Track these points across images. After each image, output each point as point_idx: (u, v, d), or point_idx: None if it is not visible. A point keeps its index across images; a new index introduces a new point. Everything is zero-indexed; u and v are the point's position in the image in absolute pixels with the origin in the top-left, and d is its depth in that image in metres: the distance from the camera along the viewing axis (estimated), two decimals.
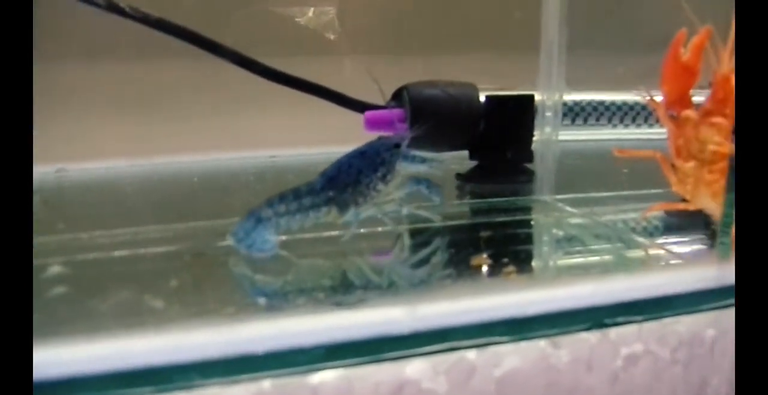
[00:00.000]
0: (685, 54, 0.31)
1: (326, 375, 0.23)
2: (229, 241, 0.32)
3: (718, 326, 0.28)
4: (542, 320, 0.25)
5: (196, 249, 0.36)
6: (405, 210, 0.35)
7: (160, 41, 0.52)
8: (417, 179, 0.36)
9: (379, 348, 0.23)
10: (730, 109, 0.30)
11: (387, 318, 0.24)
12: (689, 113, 0.31)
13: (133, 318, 0.25)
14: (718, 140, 0.30)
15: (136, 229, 0.37)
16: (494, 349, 0.25)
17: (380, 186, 0.35)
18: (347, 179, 0.34)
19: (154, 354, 0.22)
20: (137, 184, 0.53)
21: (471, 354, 0.25)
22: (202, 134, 0.62)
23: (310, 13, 0.62)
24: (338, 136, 0.66)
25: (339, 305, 0.24)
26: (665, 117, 0.32)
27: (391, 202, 0.35)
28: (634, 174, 0.51)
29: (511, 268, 0.30)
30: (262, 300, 0.27)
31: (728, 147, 0.30)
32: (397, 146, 0.35)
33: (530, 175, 0.49)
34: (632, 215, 0.39)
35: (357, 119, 0.54)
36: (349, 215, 0.34)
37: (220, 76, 0.60)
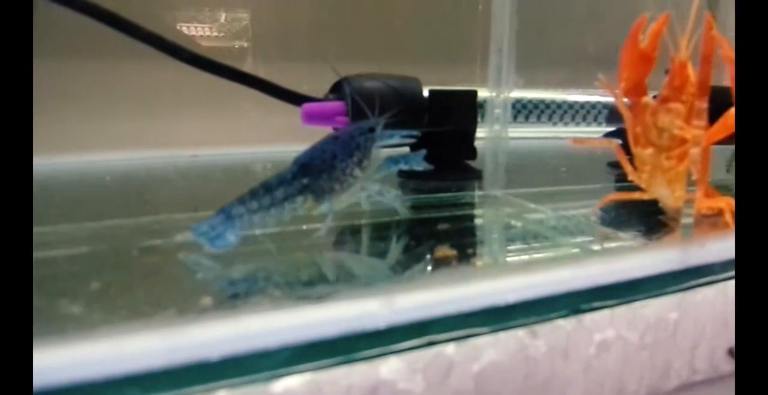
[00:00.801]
0: (644, 41, 0.32)
1: (292, 381, 0.20)
2: (188, 235, 0.29)
3: (681, 308, 0.28)
4: (522, 308, 0.24)
5: (119, 249, 0.31)
6: (390, 196, 0.33)
7: (64, 37, 0.47)
8: (390, 160, 0.34)
9: (353, 347, 0.21)
10: (687, 95, 0.31)
11: (361, 311, 0.21)
12: (647, 99, 0.32)
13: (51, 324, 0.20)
14: (679, 124, 0.30)
15: (43, 229, 0.32)
16: (473, 342, 0.23)
17: (357, 172, 0.32)
18: (322, 165, 0.32)
19: (76, 367, 0.18)
20: (43, 183, 0.46)
21: (449, 349, 0.22)
22: (115, 132, 0.56)
23: (222, 20, 0.59)
24: (264, 135, 0.63)
25: (306, 299, 0.21)
26: (622, 105, 0.32)
27: (373, 183, 0.33)
28: (574, 170, 0.52)
29: (450, 251, 0.29)
30: (215, 298, 0.23)
31: (689, 132, 0.30)
32: (372, 130, 0.33)
33: (474, 172, 0.48)
34: (583, 209, 0.39)
35: (283, 117, 0.51)
36: (326, 205, 0.32)
37: (139, 72, 0.55)
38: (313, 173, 0.31)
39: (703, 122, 0.31)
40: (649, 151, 0.31)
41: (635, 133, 0.32)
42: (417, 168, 0.34)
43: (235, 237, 0.29)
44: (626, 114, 0.32)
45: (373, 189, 0.33)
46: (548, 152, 0.55)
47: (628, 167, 0.33)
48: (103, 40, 0.51)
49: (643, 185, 0.33)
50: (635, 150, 0.32)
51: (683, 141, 0.31)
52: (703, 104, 0.30)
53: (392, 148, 0.36)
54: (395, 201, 0.34)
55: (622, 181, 0.49)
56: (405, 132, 0.34)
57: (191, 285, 0.26)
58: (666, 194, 0.32)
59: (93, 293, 0.24)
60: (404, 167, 0.34)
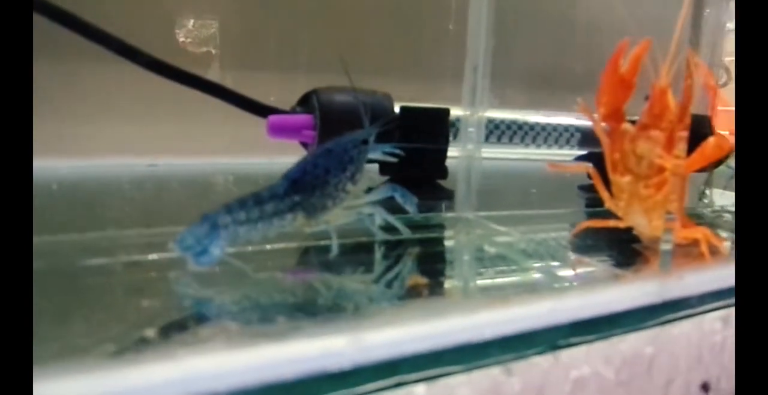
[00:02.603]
0: (624, 65, 0.31)
1: None
2: (173, 248, 0.26)
3: (657, 343, 0.27)
4: (498, 344, 0.22)
5: (60, 267, 0.28)
6: (378, 219, 0.32)
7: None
8: (392, 186, 0.32)
9: (313, 389, 0.18)
10: (666, 123, 0.30)
11: (325, 349, 0.19)
12: (626, 126, 0.31)
13: None
14: (659, 152, 0.30)
15: None
16: (445, 381, 0.21)
17: (349, 187, 0.31)
18: (314, 181, 0.30)
19: None
20: None
21: (419, 390, 0.21)
22: (65, 136, 0.53)
23: (190, 26, 0.57)
24: (227, 145, 0.61)
25: (264, 335, 0.19)
26: (601, 130, 0.31)
27: (366, 206, 0.32)
28: (545, 193, 0.51)
29: (422, 279, 0.27)
30: (160, 331, 0.20)
31: (669, 161, 0.29)
32: (365, 142, 0.31)
33: (445, 191, 0.47)
34: (557, 232, 0.38)
35: (248, 127, 0.49)
36: (320, 223, 0.31)
37: (96, 74, 0.52)
38: (306, 189, 0.30)
39: (682, 150, 0.30)
40: (627, 178, 0.31)
41: (613, 159, 0.31)
42: (407, 207, 0.33)
43: (219, 251, 0.27)
44: (604, 140, 0.32)
45: (375, 211, 0.32)
46: (518, 173, 0.54)
47: (604, 194, 0.32)
48: (59, 42, 0.49)
49: (619, 213, 0.32)
50: (613, 177, 0.32)
51: (662, 169, 0.30)
52: (684, 133, 0.30)
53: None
54: (396, 221, 0.33)
55: (593, 205, 0.48)
56: (388, 147, 0.33)
57: (136, 313, 0.23)
58: (643, 222, 0.31)
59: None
60: (399, 199, 0.33)
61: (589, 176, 0.49)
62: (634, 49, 0.31)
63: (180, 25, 0.57)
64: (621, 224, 0.32)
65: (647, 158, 0.30)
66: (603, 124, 0.32)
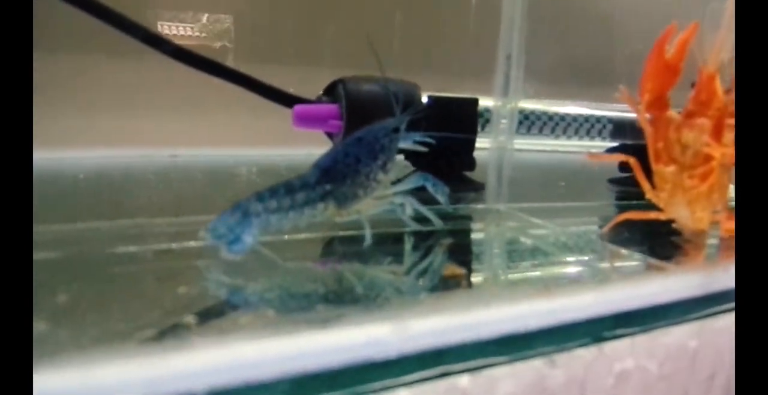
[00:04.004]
0: (670, 51, 0.30)
1: None
2: (204, 237, 0.26)
3: (701, 336, 0.27)
4: (542, 335, 0.21)
5: (91, 255, 0.28)
6: (409, 209, 0.31)
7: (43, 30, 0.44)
8: (424, 175, 0.32)
9: (360, 378, 0.18)
10: (714, 110, 0.29)
11: (370, 338, 0.18)
12: (671, 113, 0.30)
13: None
14: (706, 140, 0.28)
15: None
16: (489, 372, 0.21)
17: (380, 176, 0.31)
18: (345, 170, 0.30)
19: None
20: None
21: (463, 381, 0.20)
22: (90, 128, 0.53)
23: (204, 20, 0.57)
24: (249, 137, 0.60)
25: (308, 323, 0.18)
26: (644, 118, 0.30)
27: (397, 196, 0.32)
28: (574, 186, 0.50)
29: (458, 269, 0.27)
30: (200, 318, 0.20)
31: (717, 149, 0.28)
32: (397, 130, 0.31)
33: (473, 183, 0.46)
34: (589, 225, 0.38)
35: (270, 119, 0.49)
36: (351, 212, 0.30)
37: (120, 68, 0.52)
38: (336, 178, 0.29)
39: (731, 139, 0.29)
40: (671, 169, 0.30)
41: (656, 148, 0.30)
42: (439, 197, 0.33)
43: (252, 239, 0.26)
44: (647, 128, 0.31)
45: (405, 201, 0.32)
46: (546, 165, 0.53)
47: (645, 185, 0.31)
48: (82, 35, 0.49)
49: (661, 205, 0.31)
50: (656, 167, 0.31)
51: (708, 159, 0.29)
52: (732, 120, 0.28)
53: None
54: (428, 212, 0.32)
55: (623, 199, 0.47)
56: (419, 136, 0.32)
57: (172, 300, 0.23)
58: (685, 214, 0.30)
59: (60, 307, 0.21)
60: (430, 188, 0.33)
61: (623, 169, 0.49)
62: (681, 33, 0.30)
63: (194, 20, 0.57)
64: (662, 216, 0.31)
65: (693, 147, 0.29)
66: (646, 113, 0.31)
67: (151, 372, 0.16)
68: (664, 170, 0.30)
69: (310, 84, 0.48)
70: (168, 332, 0.19)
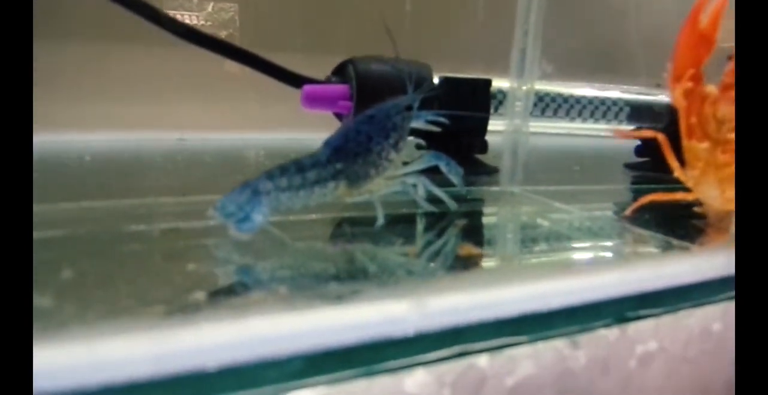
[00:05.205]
0: (704, 21, 0.29)
1: None
2: (213, 215, 0.25)
3: (724, 319, 0.26)
4: (565, 314, 0.21)
5: (99, 233, 0.27)
6: (421, 189, 0.30)
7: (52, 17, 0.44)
8: (437, 154, 0.31)
9: (376, 356, 0.17)
10: None
11: (387, 315, 0.18)
12: (709, 88, 0.29)
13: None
14: None
15: None
16: (508, 353, 0.20)
17: (392, 155, 0.30)
18: (357, 148, 0.29)
19: (43, 376, 0.14)
20: None
21: (482, 361, 0.19)
22: (97, 111, 0.53)
23: (209, 9, 0.56)
24: (255, 120, 0.60)
25: (322, 298, 0.18)
26: (680, 93, 0.29)
27: (409, 175, 0.31)
28: (589, 170, 0.49)
29: (474, 249, 0.26)
30: (210, 294, 0.19)
31: None
32: (410, 108, 0.30)
33: (485, 166, 0.45)
34: (606, 210, 0.37)
35: (277, 103, 0.48)
36: (363, 192, 0.30)
37: (127, 52, 0.52)
38: (348, 157, 0.29)
39: None
40: (705, 145, 0.28)
41: (689, 124, 0.29)
42: (452, 178, 0.32)
43: (262, 217, 0.26)
44: (680, 103, 0.29)
45: (418, 182, 0.31)
46: (560, 148, 0.52)
47: (674, 163, 0.30)
48: (90, 20, 0.48)
49: (689, 183, 0.30)
50: (688, 143, 0.29)
51: None
52: None
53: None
54: (441, 192, 0.32)
55: (639, 183, 0.46)
56: (431, 115, 0.31)
57: (181, 277, 0.22)
58: (714, 194, 0.29)
59: (66, 284, 0.20)
60: (443, 168, 0.32)
61: (640, 153, 0.47)
62: (714, 1, 0.28)
63: (200, 9, 0.56)
64: (689, 197, 0.30)
65: (729, 122, 0.27)
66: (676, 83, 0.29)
67: (159, 347, 0.15)
68: (698, 147, 0.29)
69: (315, 72, 0.48)
70: (177, 308, 0.19)
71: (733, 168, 0.28)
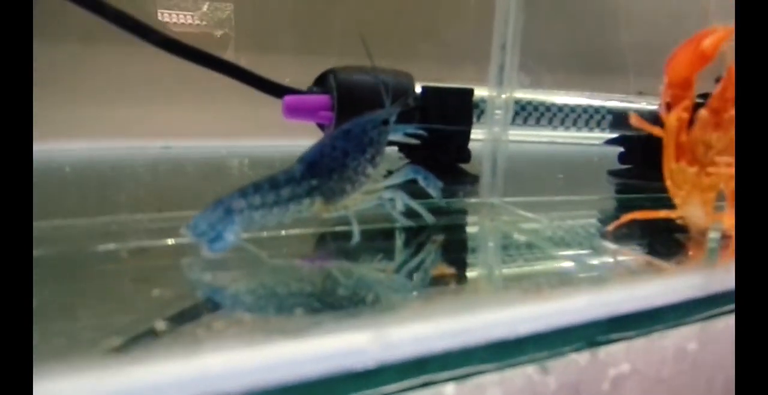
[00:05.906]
0: (706, 43, 0.28)
1: None
2: (185, 234, 0.25)
3: (701, 339, 0.25)
4: (533, 340, 0.20)
5: (68, 254, 0.27)
6: (399, 204, 0.30)
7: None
8: (415, 168, 0.31)
9: (337, 389, 0.17)
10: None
11: (347, 347, 0.17)
12: (703, 112, 0.28)
13: None
14: (731, 138, 0.27)
15: None
16: (476, 381, 0.20)
17: (369, 170, 0.30)
18: (332, 164, 0.29)
19: None
20: None
21: (448, 390, 0.19)
22: (79, 118, 0.52)
23: (204, 8, 0.56)
24: (243, 128, 0.59)
25: (282, 332, 0.17)
26: (671, 108, 0.29)
27: (386, 190, 0.31)
28: (573, 179, 0.49)
29: (448, 269, 0.26)
30: (171, 324, 0.19)
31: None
32: (386, 122, 0.30)
33: (468, 176, 0.45)
34: (589, 219, 0.36)
35: (263, 110, 0.47)
36: (339, 208, 0.30)
37: (111, 56, 0.51)
38: (323, 172, 0.28)
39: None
40: (695, 169, 0.28)
41: (679, 142, 0.28)
42: (431, 191, 0.32)
43: (234, 236, 0.25)
44: (671, 123, 0.28)
45: (395, 196, 0.31)
46: (544, 157, 0.52)
47: (669, 165, 0.29)
48: (73, 25, 0.47)
49: (677, 200, 0.30)
50: (678, 165, 0.29)
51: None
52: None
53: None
54: (419, 206, 0.32)
55: (623, 192, 0.46)
56: (410, 128, 0.31)
57: (145, 304, 0.22)
58: (699, 214, 0.29)
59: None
60: (422, 182, 0.32)
61: (623, 161, 0.47)
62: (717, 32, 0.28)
63: (195, 8, 0.56)
64: (673, 215, 0.30)
65: (716, 146, 0.27)
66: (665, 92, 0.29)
67: (109, 386, 0.15)
68: (687, 171, 0.29)
69: (310, 72, 0.47)
70: (135, 340, 0.18)
71: (715, 193, 0.28)
